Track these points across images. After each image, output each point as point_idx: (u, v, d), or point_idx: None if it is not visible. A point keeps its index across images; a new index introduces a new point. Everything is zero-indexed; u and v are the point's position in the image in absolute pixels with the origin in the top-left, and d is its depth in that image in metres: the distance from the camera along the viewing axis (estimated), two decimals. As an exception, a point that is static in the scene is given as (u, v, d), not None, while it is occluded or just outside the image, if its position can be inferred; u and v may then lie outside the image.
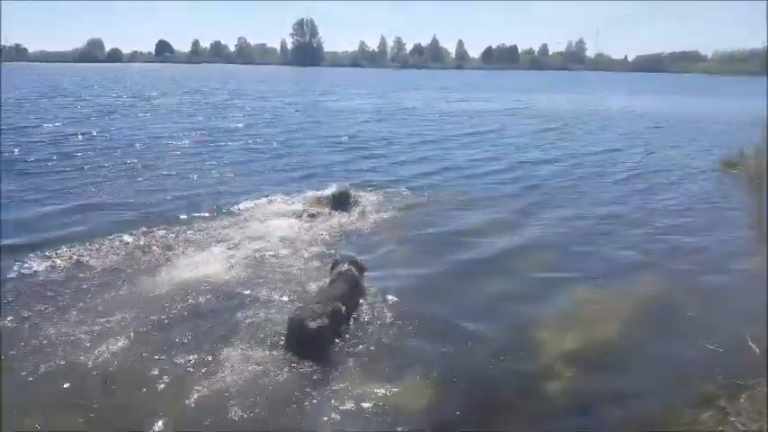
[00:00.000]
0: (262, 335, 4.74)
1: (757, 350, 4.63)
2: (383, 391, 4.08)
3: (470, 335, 4.98)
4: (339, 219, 8.26)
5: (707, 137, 19.35)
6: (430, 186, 10.64)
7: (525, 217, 8.85)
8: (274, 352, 4.49)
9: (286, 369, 4.29)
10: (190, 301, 5.41)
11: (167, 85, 44.01)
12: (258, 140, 16.10)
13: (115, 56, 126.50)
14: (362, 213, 8.58)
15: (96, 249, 6.70)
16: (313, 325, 4.43)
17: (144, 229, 7.45)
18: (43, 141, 14.74)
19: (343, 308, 4.87)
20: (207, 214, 8.35)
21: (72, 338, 4.63)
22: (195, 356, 4.42)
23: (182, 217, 8.12)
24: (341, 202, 8.76)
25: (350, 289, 5.15)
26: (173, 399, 3.94)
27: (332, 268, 5.50)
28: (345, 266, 5.35)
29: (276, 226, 7.73)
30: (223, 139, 16.09)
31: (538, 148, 16.30)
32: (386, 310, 5.30)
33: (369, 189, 10.13)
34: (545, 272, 6.59)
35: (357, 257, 5.71)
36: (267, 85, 48.18)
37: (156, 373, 4.22)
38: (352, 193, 9.19)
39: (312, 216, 8.28)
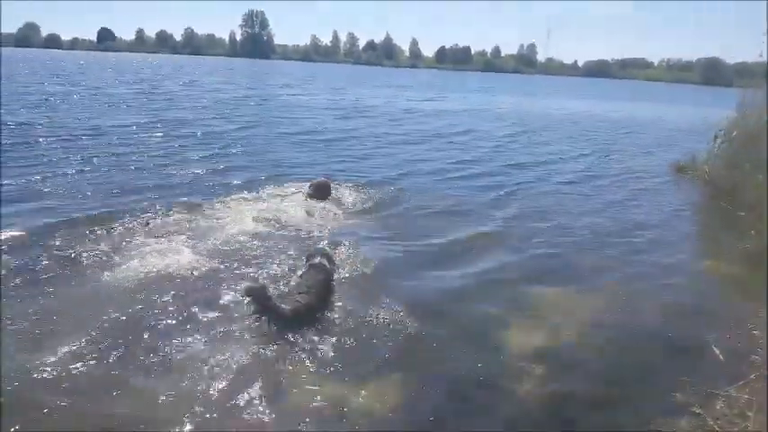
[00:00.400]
0: (233, 326, 4.58)
1: (722, 357, 4.56)
2: (345, 392, 3.91)
3: (437, 336, 4.77)
4: (317, 212, 7.92)
5: (660, 141, 19.42)
6: (405, 188, 9.97)
7: (494, 220, 8.39)
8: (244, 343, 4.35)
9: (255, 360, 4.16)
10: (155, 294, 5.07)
11: (115, 75, 41.61)
12: (218, 135, 14.92)
13: (54, 42, 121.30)
14: (339, 209, 8.24)
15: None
16: (288, 312, 4.53)
17: (101, 224, 6.80)
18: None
19: (316, 298, 4.90)
20: (170, 209, 7.65)
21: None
22: (161, 354, 4.18)
23: (144, 212, 7.41)
24: (321, 195, 8.50)
25: (325, 280, 5.19)
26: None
27: (306, 260, 5.48)
28: (318, 259, 5.37)
29: (248, 220, 7.30)
30: (179, 133, 14.90)
31: (507, 150, 15.76)
32: (357, 306, 5.09)
33: (344, 186, 9.57)
34: (510, 273, 6.31)
35: (329, 250, 5.77)
36: (220, 77, 46.89)
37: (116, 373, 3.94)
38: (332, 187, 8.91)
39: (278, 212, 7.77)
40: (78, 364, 3.95)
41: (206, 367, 4.02)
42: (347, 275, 5.75)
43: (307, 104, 26.38)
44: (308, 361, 4.20)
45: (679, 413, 3.89)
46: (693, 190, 11.45)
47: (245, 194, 8.66)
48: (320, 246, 5.96)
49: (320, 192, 8.52)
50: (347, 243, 6.65)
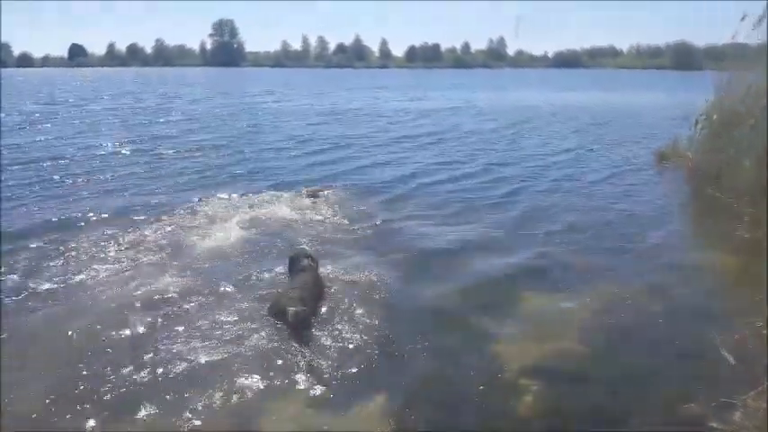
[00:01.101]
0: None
1: (732, 360, 4.27)
2: (328, 416, 3.72)
3: (429, 350, 4.54)
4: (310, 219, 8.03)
5: (638, 130, 19.35)
6: (402, 192, 9.93)
7: (485, 224, 8.16)
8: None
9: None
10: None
11: (90, 91, 40.77)
12: (205, 147, 14.64)
13: (26, 60, 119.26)
14: (330, 218, 8.15)
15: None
16: (293, 311, 4.67)
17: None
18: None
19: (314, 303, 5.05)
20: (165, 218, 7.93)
21: None
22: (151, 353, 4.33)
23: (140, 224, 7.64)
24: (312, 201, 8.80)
25: (314, 280, 5.33)
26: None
27: (291, 263, 5.62)
28: (306, 261, 5.51)
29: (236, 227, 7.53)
30: (164, 147, 14.73)
31: (498, 147, 15.57)
32: (345, 317, 5.00)
33: (335, 194, 9.52)
34: (501, 277, 6.11)
35: (310, 251, 5.89)
36: (197, 88, 46.42)
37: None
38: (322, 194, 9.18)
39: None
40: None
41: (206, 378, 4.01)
42: (338, 284, 5.65)
43: (295, 111, 26.16)
44: (294, 378, 4.07)
45: (692, 426, 3.60)
46: (678, 178, 11.43)
47: (236, 200, 8.95)
48: (301, 247, 6.10)
49: (317, 197, 8.87)
50: (341, 250, 6.61)
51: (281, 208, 8.44)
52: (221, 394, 3.86)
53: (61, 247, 6.59)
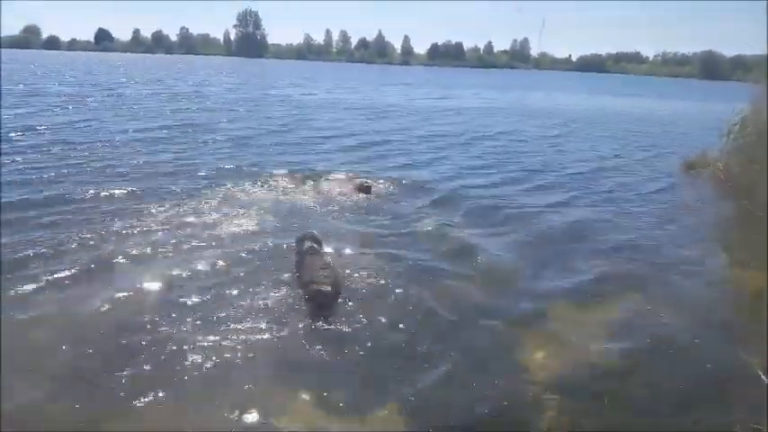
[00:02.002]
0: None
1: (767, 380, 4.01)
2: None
3: (446, 358, 4.33)
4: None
5: (669, 139, 18.92)
6: (447, 194, 9.58)
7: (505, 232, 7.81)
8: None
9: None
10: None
11: (129, 76, 41.03)
12: (238, 138, 14.46)
13: (53, 43, 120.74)
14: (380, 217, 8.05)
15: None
16: (327, 289, 4.90)
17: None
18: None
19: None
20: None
21: None
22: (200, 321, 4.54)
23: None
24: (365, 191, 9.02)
25: (328, 264, 5.36)
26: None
27: (299, 242, 5.72)
28: (309, 244, 5.59)
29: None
30: (203, 133, 14.88)
31: (538, 151, 15.26)
32: (361, 318, 4.83)
33: (384, 188, 9.60)
34: (526, 285, 5.90)
35: (316, 233, 5.94)
36: (229, 77, 46.43)
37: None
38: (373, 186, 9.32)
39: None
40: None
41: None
42: (355, 283, 5.49)
43: (337, 104, 26.02)
44: (307, 377, 3.98)
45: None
46: (709, 189, 11.05)
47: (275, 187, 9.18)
48: (309, 231, 6.07)
49: (366, 191, 9.00)
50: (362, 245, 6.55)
51: (330, 196, 8.69)
52: (232, 390, 3.76)
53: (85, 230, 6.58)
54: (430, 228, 7.50)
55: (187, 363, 4.00)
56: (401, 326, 4.74)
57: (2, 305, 4.67)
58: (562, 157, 14.28)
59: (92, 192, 8.23)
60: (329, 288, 4.91)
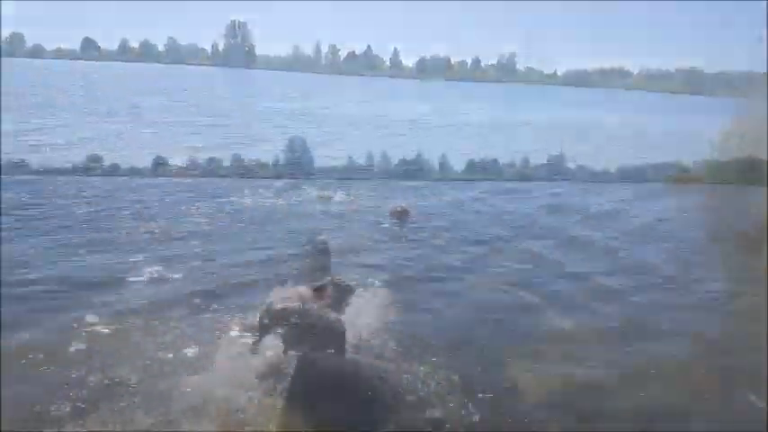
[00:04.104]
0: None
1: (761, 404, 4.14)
2: None
3: (442, 378, 4.28)
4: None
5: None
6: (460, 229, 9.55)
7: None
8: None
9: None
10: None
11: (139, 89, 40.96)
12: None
13: (38, 52, 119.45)
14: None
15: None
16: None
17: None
18: None
19: None
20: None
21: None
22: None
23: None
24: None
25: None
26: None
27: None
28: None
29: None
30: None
31: None
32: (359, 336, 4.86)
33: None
34: (531, 302, 5.97)
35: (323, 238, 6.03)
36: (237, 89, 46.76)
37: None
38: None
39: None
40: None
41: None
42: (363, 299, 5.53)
43: (364, 119, 26.12)
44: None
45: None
46: (699, 204, 11.10)
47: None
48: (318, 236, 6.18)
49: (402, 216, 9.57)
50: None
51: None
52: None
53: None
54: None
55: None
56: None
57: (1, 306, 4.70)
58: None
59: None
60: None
